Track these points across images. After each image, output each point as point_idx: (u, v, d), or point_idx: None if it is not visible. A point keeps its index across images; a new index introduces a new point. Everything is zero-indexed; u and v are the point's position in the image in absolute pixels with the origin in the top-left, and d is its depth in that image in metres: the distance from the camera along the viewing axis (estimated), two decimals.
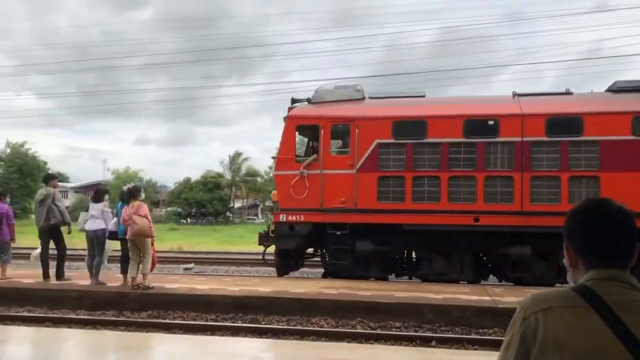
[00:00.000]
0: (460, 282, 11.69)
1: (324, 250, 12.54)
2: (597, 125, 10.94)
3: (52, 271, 11.00)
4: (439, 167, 11.47)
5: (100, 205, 10.70)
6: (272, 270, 13.38)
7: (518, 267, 11.45)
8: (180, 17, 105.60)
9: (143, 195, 10.22)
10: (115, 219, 10.49)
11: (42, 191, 11.03)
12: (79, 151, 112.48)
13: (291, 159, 12.27)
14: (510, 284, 11.71)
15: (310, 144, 13.38)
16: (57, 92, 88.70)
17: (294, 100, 13.25)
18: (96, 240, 10.63)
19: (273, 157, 12.66)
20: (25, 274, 12.07)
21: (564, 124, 11.13)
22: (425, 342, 7.59)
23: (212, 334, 7.83)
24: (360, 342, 7.45)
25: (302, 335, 7.92)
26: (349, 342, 7.48)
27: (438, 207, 11.42)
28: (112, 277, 10.96)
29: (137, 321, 8.77)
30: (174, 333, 7.98)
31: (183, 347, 6.07)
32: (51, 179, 11.65)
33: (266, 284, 10.68)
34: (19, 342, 6.85)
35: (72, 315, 9.14)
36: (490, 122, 11.45)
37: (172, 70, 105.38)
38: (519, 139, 11.16)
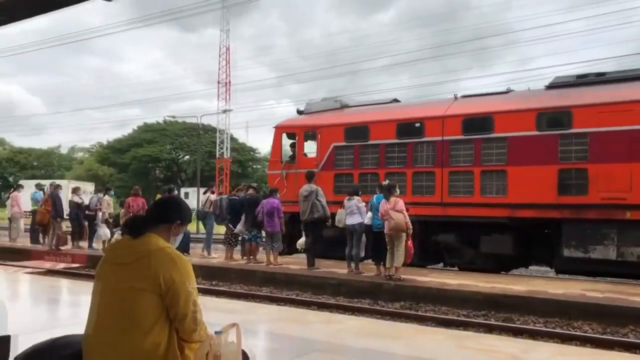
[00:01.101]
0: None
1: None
2: (505, 122, 11.85)
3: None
4: (378, 165, 13.43)
5: (354, 201, 11.39)
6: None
7: (452, 254, 12.76)
8: (421, 14, 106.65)
9: (398, 191, 10.66)
10: (370, 213, 11.10)
11: (306, 187, 12.11)
12: None
13: (277, 161, 15.30)
14: None
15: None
16: (311, 97, 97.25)
17: (299, 111, 15.86)
18: (354, 233, 11.40)
19: (265, 160, 14.25)
20: (292, 261, 13.55)
21: (477, 123, 12.20)
22: None
23: (464, 330, 7.77)
24: (635, 353, 6.64)
25: (563, 339, 7.41)
26: (620, 351, 6.74)
27: None
28: (367, 267, 11.66)
29: (391, 311, 9.16)
30: (427, 325, 8.14)
31: (437, 339, 6.15)
32: (313, 176, 12.57)
33: (520, 283, 10.23)
34: (288, 322, 7.70)
35: (333, 301, 9.96)
36: (417, 125, 13.06)
37: (413, 68, 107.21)
38: (440, 138, 12.52)
